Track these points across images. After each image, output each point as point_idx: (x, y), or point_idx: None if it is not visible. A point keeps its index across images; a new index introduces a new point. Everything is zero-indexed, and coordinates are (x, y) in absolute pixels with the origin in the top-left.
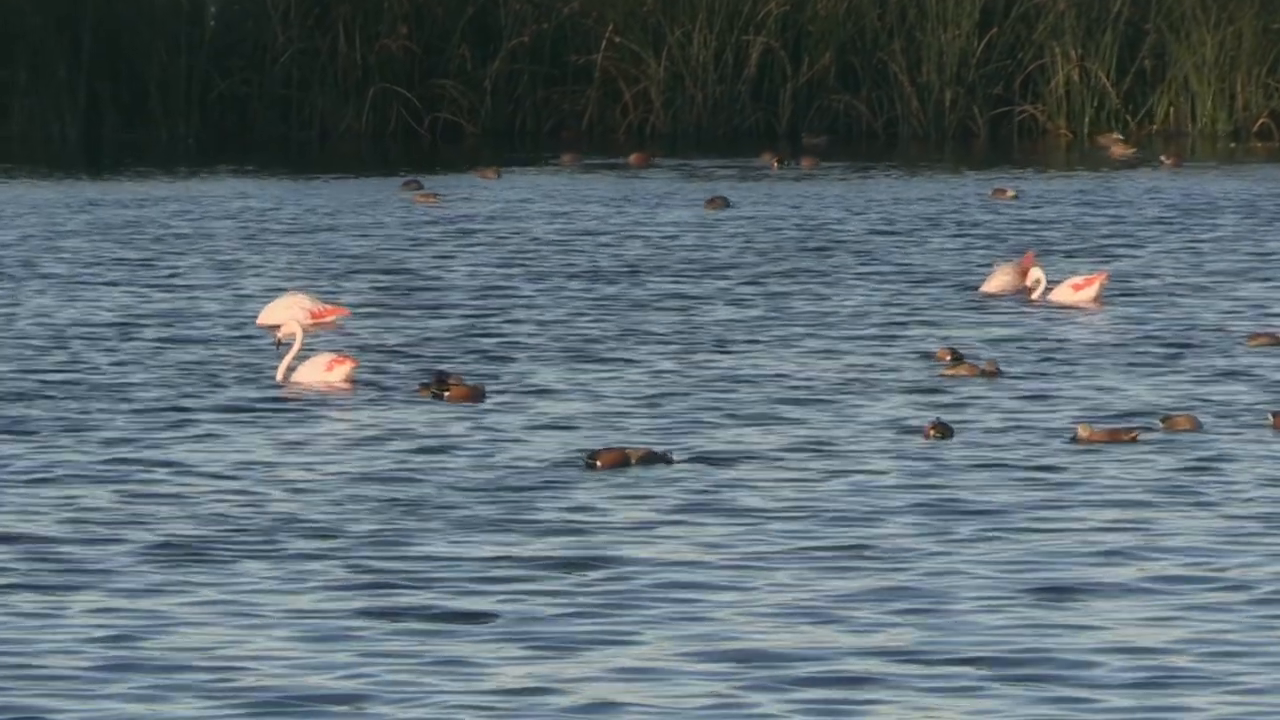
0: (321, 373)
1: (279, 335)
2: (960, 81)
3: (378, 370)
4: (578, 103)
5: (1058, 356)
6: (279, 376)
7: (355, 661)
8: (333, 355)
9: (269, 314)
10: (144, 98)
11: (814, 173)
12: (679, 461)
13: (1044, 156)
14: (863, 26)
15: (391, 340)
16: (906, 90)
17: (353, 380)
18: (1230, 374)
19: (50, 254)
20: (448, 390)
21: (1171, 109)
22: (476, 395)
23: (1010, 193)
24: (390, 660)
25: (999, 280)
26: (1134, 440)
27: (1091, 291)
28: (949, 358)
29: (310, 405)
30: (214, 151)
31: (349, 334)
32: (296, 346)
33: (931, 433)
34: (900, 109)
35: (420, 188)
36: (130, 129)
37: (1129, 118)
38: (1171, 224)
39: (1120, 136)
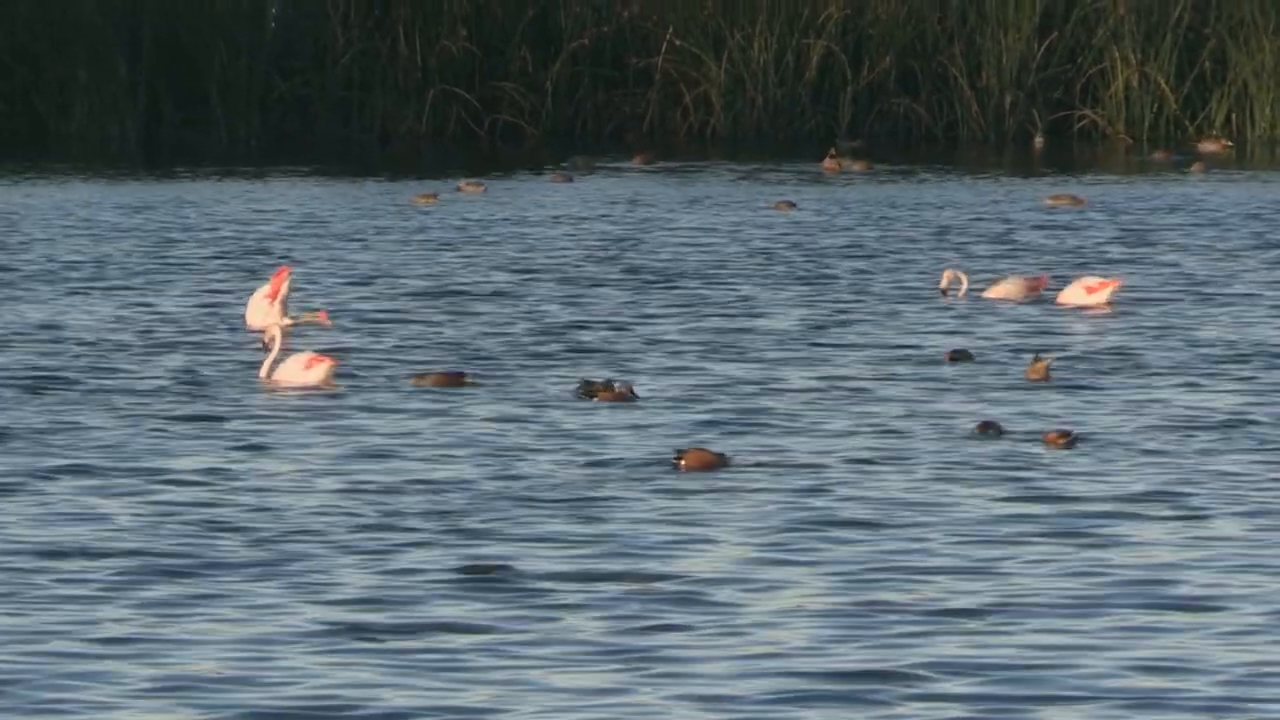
0: (300, 371)
1: (265, 339)
2: (1020, 86)
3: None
4: (638, 105)
5: (1104, 361)
6: (262, 375)
7: (369, 674)
8: (311, 354)
9: (250, 316)
10: (204, 99)
11: (868, 175)
12: (742, 468)
13: (1103, 162)
14: (923, 30)
15: (430, 343)
16: (966, 94)
17: (333, 379)
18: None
19: (76, 256)
20: (597, 394)
21: (1231, 114)
22: (628, 396)
23: (1080, 200)
24: (409, 672)
25: (1004, 288)
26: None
27: (1104, 296)
28: (949, 360)
29: (322, 406)
30: (274, 153)
31: (384, 333)
32: (276, 347)
33: (979, 431)
34: (960, 113)
35: (485, 190)
36: (190, 130)
37: (1188, 123)
38: (1178, 233)
39: (1230, 143)
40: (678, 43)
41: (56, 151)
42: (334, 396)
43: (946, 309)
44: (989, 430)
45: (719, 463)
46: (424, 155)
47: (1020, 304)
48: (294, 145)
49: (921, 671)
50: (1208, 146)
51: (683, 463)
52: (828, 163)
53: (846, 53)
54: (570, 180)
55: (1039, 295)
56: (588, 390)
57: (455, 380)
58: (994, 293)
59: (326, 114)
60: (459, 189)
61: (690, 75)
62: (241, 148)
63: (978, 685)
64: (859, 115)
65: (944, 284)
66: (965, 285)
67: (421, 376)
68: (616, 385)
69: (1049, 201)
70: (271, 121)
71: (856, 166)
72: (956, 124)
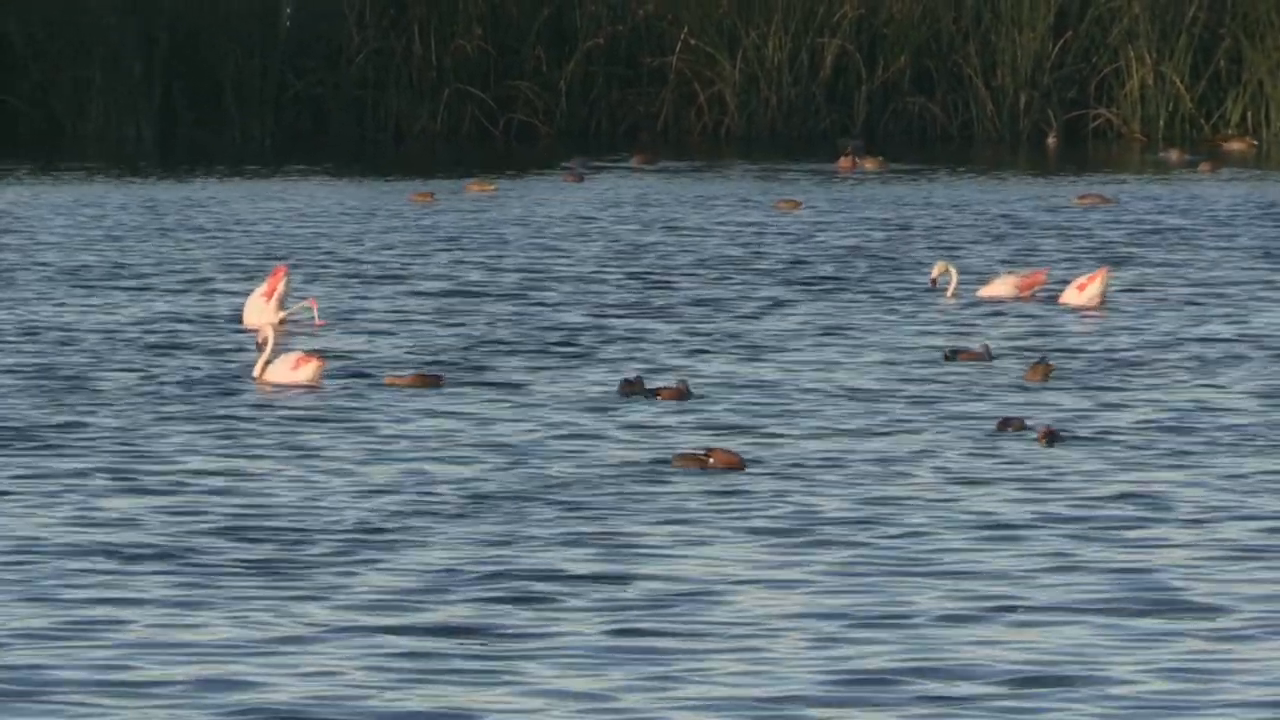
0: (288, 371)
1: (259, 339)
2: (1034, 85)
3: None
4: (652, 104)
5: (1111, 361)
6: (256, 374)
7: (368, 673)
8: (299, 354)
9: (247, 316)
10: (219, 98)
11: (881, 174)
12: (736, 468)
13: (1118, 161)
14: (938, 29)
15: (431, 340)
16: (981, 93)
17: (321, 378)
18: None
19: (81, 255)
20: (658, 393)
21: (1247, 113)
22: (685, 394)
23: (1109, 199)
24: (410, 673)
25: (997, 286)
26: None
27: (1095, 288)
28: (945, 359)
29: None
30: (288, 153)
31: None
32: (268, 346)
33: (1040, 439)
34: (975, 112)
35: (495, 189)
36: (205, 129)
37: (1203, 122)
38: (1170, 232)
39: (1255, 141)
40: (692, 42)
41: (72, 151)
42: (329, 395)
43: (951, 308)
44: (1008, 428)
45: (740, 464)
46: (438, 154)
47: (1016, 302)
48: (308, 145)
49: (931, 673)
50: (1234, 145)
51: (711, 460)
52: (843, 161)
53: (861, 52)
54: (582, 180)
55: (1032, 294)
56: (649, 390)
57: (431, 381)
58: (987, 290)
59: (341, 113)
60: (467, 188)
61: (705, 74)
62: (255, 147)
63: (982, 687)
64: (874, 114)
65: (935, 274)
66: (955, 279)
67: (398, 376)
68: (675, 383)
69: (1077, 200)
70: (286, 121)
71: (870, 165)
72: (971, 123)
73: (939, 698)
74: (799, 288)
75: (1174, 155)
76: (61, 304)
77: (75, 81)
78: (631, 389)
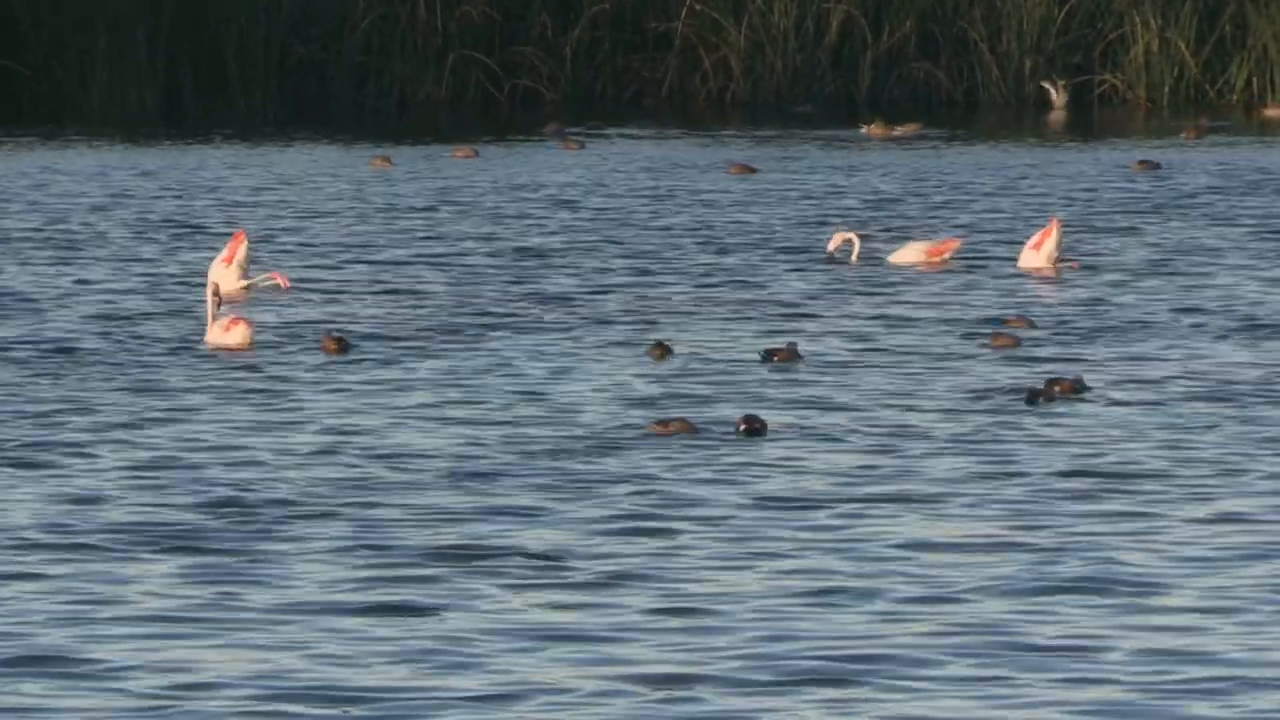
0: (221, 334)
1: (210, 301)
2: (1040, 50)
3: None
4: (658, 70)
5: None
6: (209, 338)
7: (348, 653)
8: (231, 317)
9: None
10: (222, 66)
11: (888, 140)
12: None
13: (1122, 126)
14: None
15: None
16: (986, 59)
17: (252, 341)
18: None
19: (62, 224)
20: (774, 355)
21: (1252, 79)
22: (796, 355)
23: (1155, 165)
24: (385, 654)
25: (905, 253)
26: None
27: (1050, 245)
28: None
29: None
30: (292, 120)
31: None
32: (213, 308)
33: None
34: (980, 77)
35: (474, 155)
36: (209, 97)
37: (1208, 87)
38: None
39: None
40: (698, 7)
41: (76, 121)
42: (276, 360)
43: (967, 279)
44: (1054, 388)
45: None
46: (442, 121)
47: (925, 270)
48: (312, 112)
49: (933, 654)
50: (1272, 112)
51: (756, 427)
52: (873, 128)
53: (867, 17)
54: (583, 146)
55: (944, 260)
56: (765, 352)
57: (338, 346)
58: (896, 258)
59: (344, 80)
60: (451, 155)
61: (710, 40)
62: (259, 116)
63: (980, 668)
64: (879, 80)
65: (833, 247)
66: (857, 246)
67: (329, 340)
68: (786, 345)
69: (1136, 166)
70: (289, 88)
71: (877, 131)
72: (976, 89)
73: (939, 678)
74: (759, 254)
75: (1202, 122)
76: (38, 274)
77: (79, 50)
78: (662, 352)
